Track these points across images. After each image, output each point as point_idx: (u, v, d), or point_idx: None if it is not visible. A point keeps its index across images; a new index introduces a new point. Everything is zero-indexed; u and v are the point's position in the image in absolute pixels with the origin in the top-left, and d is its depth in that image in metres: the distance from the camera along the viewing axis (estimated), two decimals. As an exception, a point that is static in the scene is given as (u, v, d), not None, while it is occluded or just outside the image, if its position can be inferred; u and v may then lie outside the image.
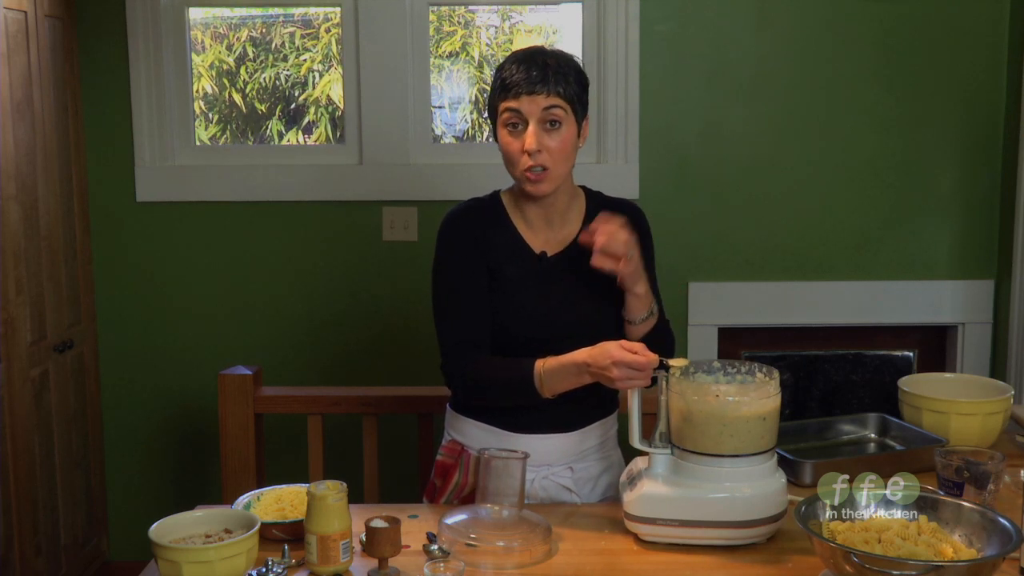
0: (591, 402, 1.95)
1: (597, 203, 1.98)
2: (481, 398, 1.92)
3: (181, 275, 3.26)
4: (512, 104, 1.80)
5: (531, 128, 1.80)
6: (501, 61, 1.88)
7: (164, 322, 3.28)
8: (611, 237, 1.74)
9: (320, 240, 3.25)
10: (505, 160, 1.86)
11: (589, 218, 1.92)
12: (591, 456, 1.98)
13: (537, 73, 1.80)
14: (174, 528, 1.57)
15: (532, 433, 1.91)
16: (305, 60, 3.36)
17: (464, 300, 1.90)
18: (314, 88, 3.37)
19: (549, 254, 1.92)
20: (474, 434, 1.96)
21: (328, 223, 3.24)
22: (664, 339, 1.92)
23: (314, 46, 3.36)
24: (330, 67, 3.35)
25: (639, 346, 1.70)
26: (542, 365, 1.80)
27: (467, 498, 1.94)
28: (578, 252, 1.90)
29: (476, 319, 1.89)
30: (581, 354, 1.75)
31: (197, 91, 3.33)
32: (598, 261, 1.76)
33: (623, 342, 1.71)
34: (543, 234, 1.93)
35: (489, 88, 1.91)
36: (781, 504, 1.67)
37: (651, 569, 1.62)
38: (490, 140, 3.38)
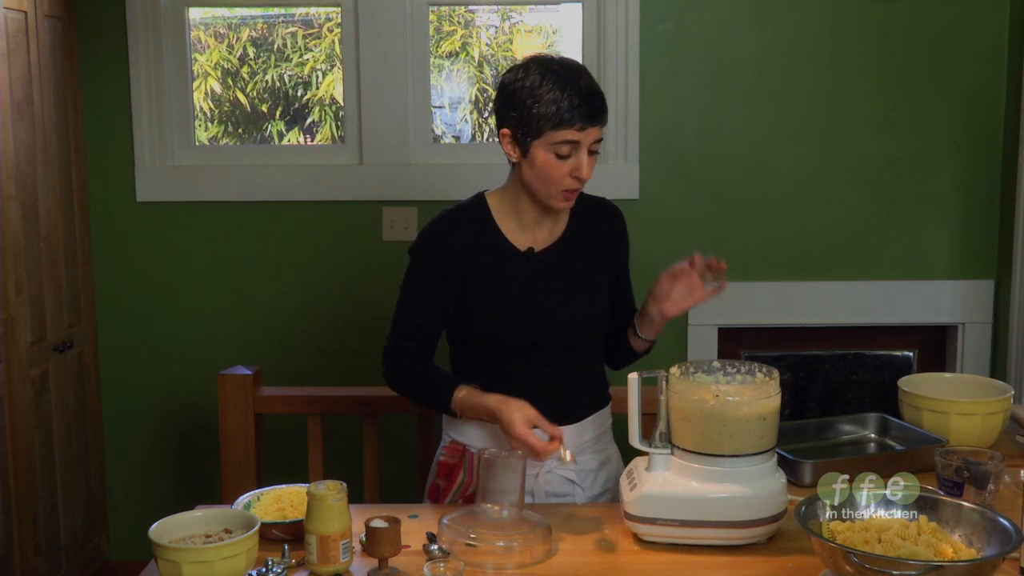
0: (583, 398, 1.98)
1: (580, 201, 1.99)
2: (402, 395, 2.05)
3: (181, 275, 3.26)
4: (575, 136, 1.78)
5: (585, 158, 1.81)
6: (528, 76, 1.80)
7: (164, 322, 3.28)
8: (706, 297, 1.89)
9: (320, 240, 3.25)
10: (542, 178, 1.83)
11: (576, 216, 1.98)
12: (589, 449, 2.00)
13: (599, 105, 1.80)
14: (174, 528, 1.57)
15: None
16: (308, 60, 3.36)
17: (417, 308, 1.95)
18: (318, 88, 3.37)
19: (536, 250, 1.93)
20: (474, 433, 1.96)
21: (328, 223, 3.24)
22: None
23: (316, 46, 3.36)
24: (333, 66, 3.35)
25: (545, 425, 1.77)
26: (460, 396, 1.88)
27: (471, 497, 1.94)
28: (566, 249, 1.94)
29: (422, 327, 1.95)
30: (492, 401, 1.82)
31: (205, 91, 3.33)
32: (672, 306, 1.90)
33: (533, 415, 1.77)
34: (532, 233, 1.94)
35: (508, 99, 1.82)
36: (781, 504, 1.67)
37: (651, 569, 1.62)
38: (491, 140, 3.38)
